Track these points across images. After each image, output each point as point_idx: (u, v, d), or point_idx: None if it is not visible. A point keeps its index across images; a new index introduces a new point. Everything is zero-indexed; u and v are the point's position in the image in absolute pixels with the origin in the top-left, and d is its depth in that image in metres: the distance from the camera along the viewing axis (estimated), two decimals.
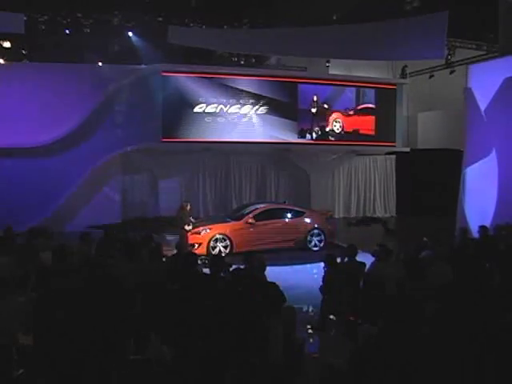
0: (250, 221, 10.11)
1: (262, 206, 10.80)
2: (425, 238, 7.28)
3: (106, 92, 12.15)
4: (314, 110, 14.73)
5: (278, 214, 10.55)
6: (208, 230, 9.88)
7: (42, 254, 5.50)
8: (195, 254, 5.97)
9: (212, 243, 9.76)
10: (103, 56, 11.71)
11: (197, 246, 9.59)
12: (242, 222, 10.14)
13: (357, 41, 11.74)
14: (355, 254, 6.05)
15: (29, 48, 12.11)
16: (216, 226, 10.07)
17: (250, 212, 10.42)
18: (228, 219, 10.48)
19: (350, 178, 16.51)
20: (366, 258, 6.68)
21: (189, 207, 9.69)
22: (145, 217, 13.47)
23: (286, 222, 10.51)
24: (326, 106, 14.84)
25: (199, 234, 9.75)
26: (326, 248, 10.29)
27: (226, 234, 9.86)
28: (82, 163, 11.86)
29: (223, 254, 9.48)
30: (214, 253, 9.45)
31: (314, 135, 14.88)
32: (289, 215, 10.64)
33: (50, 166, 11.58)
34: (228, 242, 9.84)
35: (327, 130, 14.91)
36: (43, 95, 11.50)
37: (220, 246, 9.82)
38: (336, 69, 15.13)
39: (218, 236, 9.81)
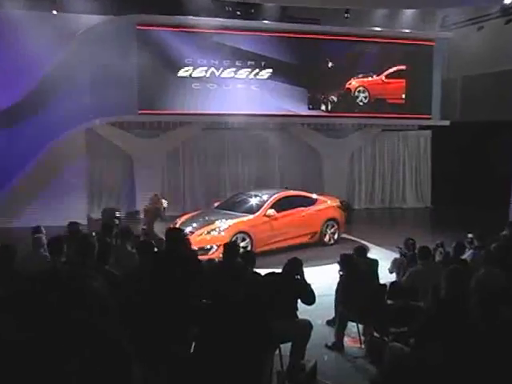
0: (269, 213, 10.13)
1: (271, 194, 10.78)
2: (469, 235, 7.23)
3: (65, 50, 11.94)
4: (328, 74, 14.56)
5: (293, 203, 10.72)
6: (224, 229, 9.63)
7: None
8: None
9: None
10: (61, 2, 11.48)
11: (215, 247, 9.25)
12: (259, 215, 10.14)
13: None
14: (365, 255, 6.31)
15: None
16: (235, 222, 9.89)
17: (263, 203, 10.40)
18: (239, 213, 10.32)
19: (373, 159, 16.46)
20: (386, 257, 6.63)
21: (164, 201, 9.81)
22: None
23: (302, 213, 10.72)
24: (344, 68, 14.67)
25: (219, 232, 9.55)
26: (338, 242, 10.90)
27: (246, 230, 9.78)
28: (35, 141, 11.67)
29: None
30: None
31: (329, 106, 14.72)
32: (303, 204, 10.86)
33: None
34: (248, 241, 9.75)
35: (347, 99, 14.76)
36: None
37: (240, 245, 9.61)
38: (357, 21, 14.87)
39: (238, 234, 9.67)
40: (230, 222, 9.86)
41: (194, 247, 8.98)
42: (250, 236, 9.76)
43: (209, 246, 9.32)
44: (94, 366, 2.83)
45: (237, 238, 9.61)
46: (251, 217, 10.12)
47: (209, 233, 9.61)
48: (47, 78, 11.79)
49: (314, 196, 11.34)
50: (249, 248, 9.55)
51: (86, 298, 3.48)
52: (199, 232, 9.57)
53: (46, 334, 2.99)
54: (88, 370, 2.82)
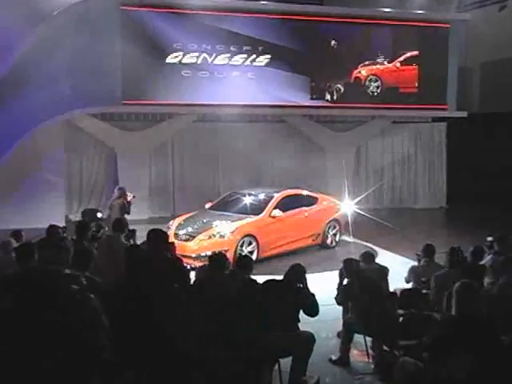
0: (274, 214, 10.16)
1: (270, 192, 10.85)
2: (489, 238, 7.23)
3: (39, 32, 11.87)
4: (333, 60, 14.56)
5: (295, 202, 10.85)
6: (230, 233, 9.56)
7: None
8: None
9: (239, 248, 9.46)
10: None
11: None
12: (264, 216, 10.14)
13: None
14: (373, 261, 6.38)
15: None
16: (242, 224, 9.83)
17: (266, 203, 10.43)
18: (238, 214, 10.26)
19: (382, 155, 16.48)
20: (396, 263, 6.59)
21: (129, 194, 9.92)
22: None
23: (305, 213, 10.85)
24: (350, 54, 14.68)
25: (223, 237, 9.48)
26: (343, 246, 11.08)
27: (254, 234, 9.75)
28: (5, 135, 11.56)
29: None
30: None
31: (335, 95, 14.71)
32: (305, 204, 11.00)
33: None
34: (254, 245, 9.72)
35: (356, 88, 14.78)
36: None
37: (246, 250, 9.54)
38: (364, 2, 14.91)
39: (245, 238, 9.61)
40: (235, 224, 9.78)
41: (194, 254, 9.08)
42: (255, 239, 9.72)
43: (209, 253, 9.19)
44: (67, 366, 2.86)
45: (243, 242, 9.57)
46: (256, 218, 10.08)
47: (213, 237, 9.48)
48: (19, 64, 11.68)
49: (316, 195, 11.45)
50: (255, 253, 9.59)
51: (58, 300, 3.49)
52: (201, 237, 9.44)
53: (20, 338, 3.02)
54: (62, 369, 2.84)
